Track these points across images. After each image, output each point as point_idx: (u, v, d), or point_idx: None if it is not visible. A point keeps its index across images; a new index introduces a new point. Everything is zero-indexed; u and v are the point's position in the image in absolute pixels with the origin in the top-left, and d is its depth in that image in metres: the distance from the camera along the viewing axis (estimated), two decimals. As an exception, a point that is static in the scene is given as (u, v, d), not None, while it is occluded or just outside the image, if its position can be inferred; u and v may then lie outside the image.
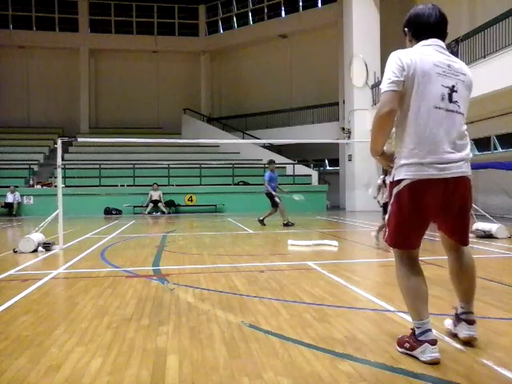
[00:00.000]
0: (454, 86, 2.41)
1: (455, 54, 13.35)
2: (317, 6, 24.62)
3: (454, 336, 2.71)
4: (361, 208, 17.91)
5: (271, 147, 23.12)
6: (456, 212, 2.49)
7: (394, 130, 2.54)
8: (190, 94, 27.94)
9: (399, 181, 2.43)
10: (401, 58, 2.40)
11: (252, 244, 8.02)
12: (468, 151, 2.45)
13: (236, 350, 2.66)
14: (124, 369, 2.40)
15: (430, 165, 2.36)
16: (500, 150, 15.15)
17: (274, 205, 11.55)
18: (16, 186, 18.07)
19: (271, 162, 11.75)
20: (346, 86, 19.72)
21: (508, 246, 7.06)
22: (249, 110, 25.92)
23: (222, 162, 21.73)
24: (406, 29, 2.66)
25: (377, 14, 18.35)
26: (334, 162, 23.67)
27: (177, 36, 28.13)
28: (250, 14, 27.08)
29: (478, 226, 8.36)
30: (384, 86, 2.40)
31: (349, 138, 18.96)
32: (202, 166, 20.22)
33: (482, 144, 15.57)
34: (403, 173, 2.42)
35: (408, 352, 2.47)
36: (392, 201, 2.50)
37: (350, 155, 18.98)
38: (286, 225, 11.31)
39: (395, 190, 2.46)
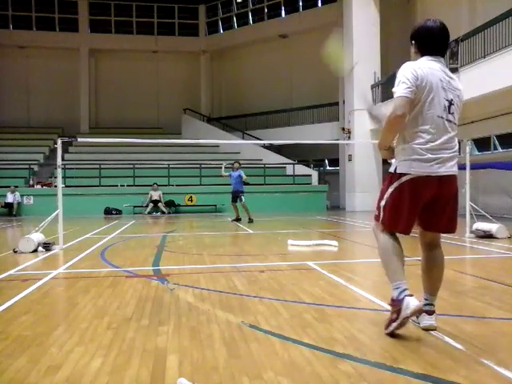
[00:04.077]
0: (452, 100, 2.77)
1: (455, 54, 13.36)
2: (317, 5, 24.61)
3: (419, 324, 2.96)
4: (361, 208, 17.91)
5: (271, 147, 23.12)
6: (446, 202, 2.82)
7: None
8: (190, 93, 27.93)
9: (401, 174, 2.75)
10: (415, 69, 2.71)
11: (252, 244, 8.02)
12: (457, 155, 2.83)
13: (236, 350, 2.65)
14: (124, 369, 2.40)
15: (431, 163, 2.71)
16: (500, 150, 15.14)
17: (240, 200, 12.86)
18: (16, 186, 18.06)
19: (235, 162, 13.81)
20: (345, 85, 19.73)
21: (508, 246, 7.06)
22: (249, 110, 25.90)
23: (222, 162, 21.70)
24: (412, 41, 2.91)
25: (377, 13, 18.35)
26: (334, 161, 23.66)
27: (177, 36, 28.12)
28: (250, 13, 27.07)
29: (478, 225, 8.36)
30: (399, 91, 2.68)
31: (349, 138, 18.96)
32: (202, 166, 20.21)
33: (482, 144, 15.57)
34: (406, 167, 2.74)
35: (397, 322, 2.69)
36: (392, 190, 2.80)
37: (350, 155, 18.98)
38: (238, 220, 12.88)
39: (397, 183, 2.77)
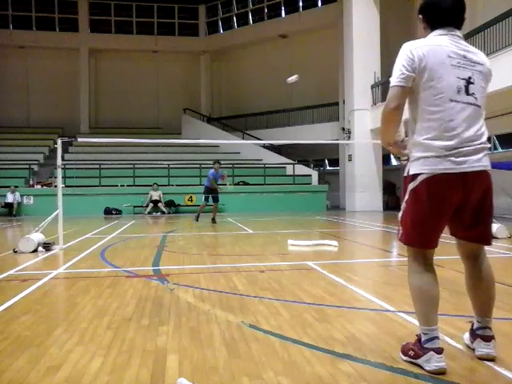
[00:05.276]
0: (470, 78, 2.28)
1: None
2: (317, 5, 24.62)
3: (473, 350, 2.55)
4: (361, 208, 17.92)
5: (271, 147, 23.13)
6: (475, 209, 2.34)
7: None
8: (190, 93, 27.93)
9: (415, 175, 2.31)
10: (412, 50, 2.29)
11: (252, 244, 8.01)
12: (486, 144, 2.32)
13: (236, 350, 2.65)
14: (124, 369, 2.40)
15: (447, 158, 2.24)
16: (500, 149, 15.15)
17: (215, 200, 12.94)
18: (16, 186, 18.06)
19: (216, 162, 13.25)
20: (345, 85, 19.73)
21: (508, 246, 7.06)
22: (249, 110, 25.90)
23: (222, 162, 21.69)
24: (420, 15, 2.47)
25: (377, 14, 18.35)
26: (334, 161, 23.67)
27: (177, 36, 28.13)
28: (250, 13, 27.08)
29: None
30: (393, 80, 2.31)
31: (349, 138, 18.97)
32: (202, 166, 20.21)
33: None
34: (419, 167, 2.30)
35: (412, 360, 2.38)
36: (407, 197, 2.36)
37: (350, 155, 18.99)
38: (197, 219, 12.94)
39: (411, 186, 2.33)
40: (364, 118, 18.51)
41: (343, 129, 19.68)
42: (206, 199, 12.87)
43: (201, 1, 28.34)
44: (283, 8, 25.82)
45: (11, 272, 5.28)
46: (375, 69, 18.25)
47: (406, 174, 2.39)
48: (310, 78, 24.48)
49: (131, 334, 2.95)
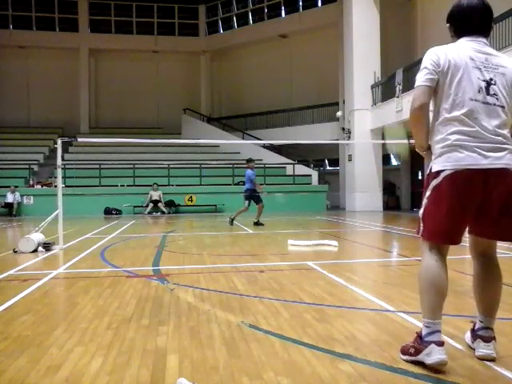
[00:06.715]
0: (491, 79, 2.36)
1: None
2: (317, 5, 24.63)
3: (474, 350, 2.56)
4: (361, 208, 17.92)
5: (271, 147, 23.13)
6: (500, 207, 2.34)
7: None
8: (190, 94, 27.94)
9: (438, 172, 2.36)
10: (437, 53, 2.40)
11: (252, 244, 8.02)
12: (508, 145, 2.34)
13: (236, 350, 2.65)
14: (124, 369, 2.40)
15: (468, 155, 2.30)
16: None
17: (260, 201, 12.07)
18: (16, 186, 18.06)
19: (251, 160, 12.44)
20: (345, 85, 19.73)
21: (508, 246, 7.06)
22: (249, 110, 25.91)
23: (222, 162, 21.73)
24: (448, 24, 2.54)
25: (377, 13, 18.35)
26: (334, 162, 23.67)
27: (177, 36, 28.14)
28: (249, 13, 27.08)
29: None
30: (418, 80, 2.41)
31: (349, 138, 18.97)
32: (202, 166, 20.22)
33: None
34: (442, 163, 2.35)
35: (413, 358, 2.39)
36: (429, 193, 2.41)
37: (350, 155, 18.99)
38: (258, 223, 11.91)
39: (434, 182, 2.38)
40: (364, 118, 18.50)
41: (343, 129, 19.67)
42: (249, 203, 12.03)
43: (201, 1, 28.35)
44: (283, 8, 25.83)
45: (11, 272, 5.28)
46: (375, 69, 18.25)
47: (428, 172, 2.44)
48: (309, 78, 24.52)
49: (131, 334, 2.95)
